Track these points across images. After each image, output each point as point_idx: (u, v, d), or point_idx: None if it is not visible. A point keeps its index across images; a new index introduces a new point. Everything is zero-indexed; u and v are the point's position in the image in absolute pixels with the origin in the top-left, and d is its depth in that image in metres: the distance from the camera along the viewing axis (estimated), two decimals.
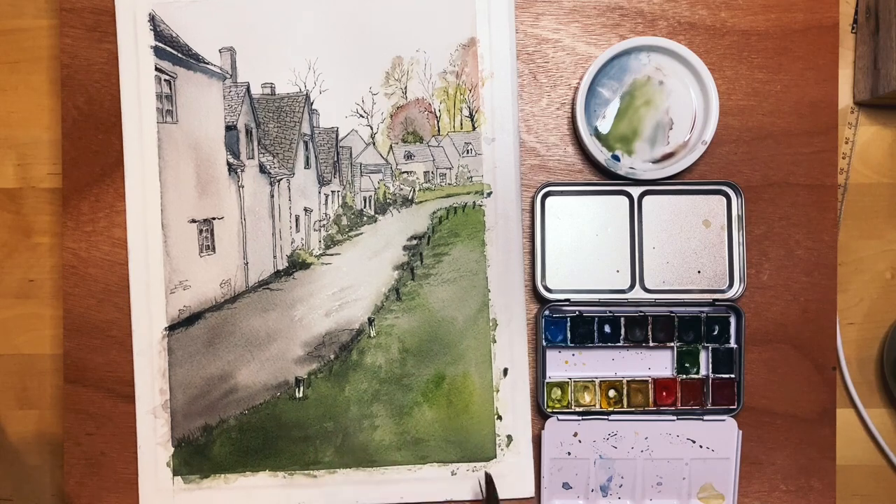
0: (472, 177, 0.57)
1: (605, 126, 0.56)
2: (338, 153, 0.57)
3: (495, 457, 0.57)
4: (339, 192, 0.58)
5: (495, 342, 0.57)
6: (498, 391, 0.57)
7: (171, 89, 0.57)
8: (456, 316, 0.57)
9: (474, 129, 0.57)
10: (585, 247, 0.57)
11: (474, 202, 0.57)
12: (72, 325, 0.57)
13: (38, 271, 0.60)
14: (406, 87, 0.57)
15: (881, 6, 0.56)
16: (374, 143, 0.57)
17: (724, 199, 0.56)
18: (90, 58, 0.57)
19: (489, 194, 0.57)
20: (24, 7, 0.59)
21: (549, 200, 0.56)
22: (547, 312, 0.56)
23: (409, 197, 0.58)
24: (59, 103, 0.57)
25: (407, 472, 0.57)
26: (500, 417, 0.57)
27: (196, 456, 0.57)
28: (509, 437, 0.57)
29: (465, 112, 0.57)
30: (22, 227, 0.60)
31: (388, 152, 0.58)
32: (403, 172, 0.58)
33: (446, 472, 0.57)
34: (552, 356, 0.57)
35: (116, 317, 0.57)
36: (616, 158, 0.56)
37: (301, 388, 0.57)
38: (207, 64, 0.57)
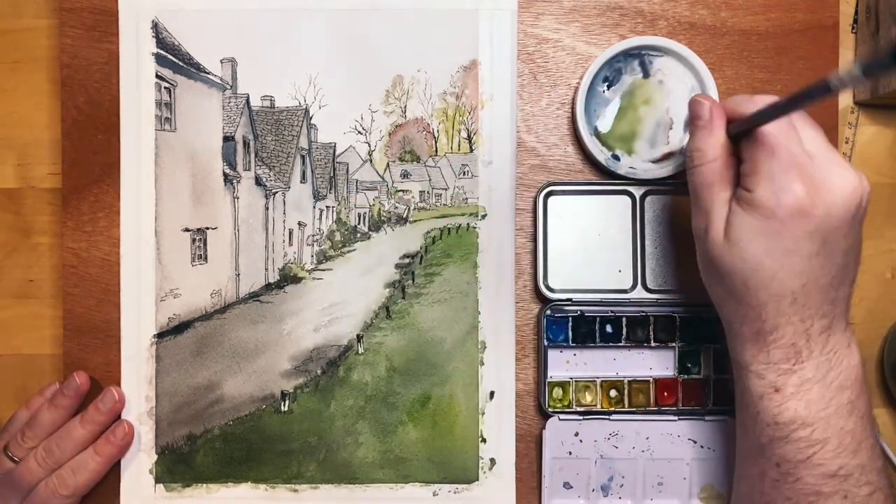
0: (467, 198, 0.57)
1: (605, 126, 0.56)
2: (334, 169, 0.57)
3: (478, 479, 0.57)
4: (333, 207, 0.58)
5: (483, 365, 0.57)
6: (483, 414, 0.56)
7: (170, 97, 0.57)
8: (445, 337, 0.57)
9: (472, 151, 0.57)
10: (587, 246, 0.57)
11: (468, 224, 0.57)
12: (72, 325, 0.57)
13: (38, 271, 0.59)
14: (406, 107, 0.57)
15: (881, 6, 0.56)
16: (371, 161, 0.57)
17: None
18: (90, 58, 0.57)
19: (484, 217, 0.57)
20: (24, 7, 0.59)
21: (551, 200, 0.56)
22: (549, 312, 0.56)
23: (404, 216, 0.58)
24: (59, 103, 0.57)
25: (388, 490, 0.57)
26: (483, 440, 0.56)
27: (179, 464, 0.57)
28: (492, 461, 0.56)
29: (464, 134, 0.57)
30: (22, 227, 0.59)
31: (385, 170, 0.58)
32: (399, 191, 0.58)
33: (428, 493, 0.57)
34: (553, 356, 0.57)
35: (116, 317, 0.57)
36: (616, 158, 0.56)
37: (287, 402, 0.57)
38: (208, 74, 0.57)
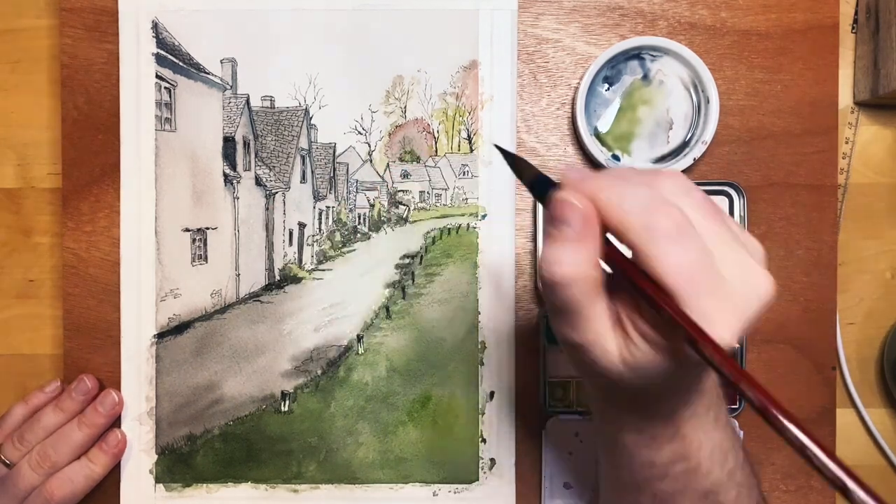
0: (467, 199, 0.57)
1: (604, 126, 0.56)
2: (334, 169, 0.57)
3: (478, 480, 0.57)
4: (333, 207, 0.58)
5: (483, 365, 0.57)
6: (483, 414, 0.57)
7: (170, 97, 0.57)
8: (445, 337, 0.57)
9: (472, 151, 0.57)
10: None
11: (468, 224, 0.57)
12: (72, 325, 0.57)
13: (38, 271, 0.59)
14: (406, 107, 0.57)
15: (881, 6, 0.56)
16: (371, 161, 0.57)
17: (726, 200, 0.56)
18: (90, 58, 0.57)
19: (484, 217, 0.57)
20: (24, 7, 0.59)
21: None
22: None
23: (404, 216, 0.58)
24: (59, 103, 0.57)
25: (389, 490, 0.57)
26: (483, 440, 0.56)
27: (179, 464, 0.57)
28: (492, 461, 0.56)
29: (464, 134, 0.57)
30: (22, 227, 0.59)
31: (385, 170, 0.57)
32: (399, 191, 0.58)
33: (428, 493, 0.57)
34: (553, 356, 0.57)
35: (116, 317, 0.57)
36: (616, 158, 0.56)
37: (287, 402, 0.57)
38: (208, 74, 0.57)
